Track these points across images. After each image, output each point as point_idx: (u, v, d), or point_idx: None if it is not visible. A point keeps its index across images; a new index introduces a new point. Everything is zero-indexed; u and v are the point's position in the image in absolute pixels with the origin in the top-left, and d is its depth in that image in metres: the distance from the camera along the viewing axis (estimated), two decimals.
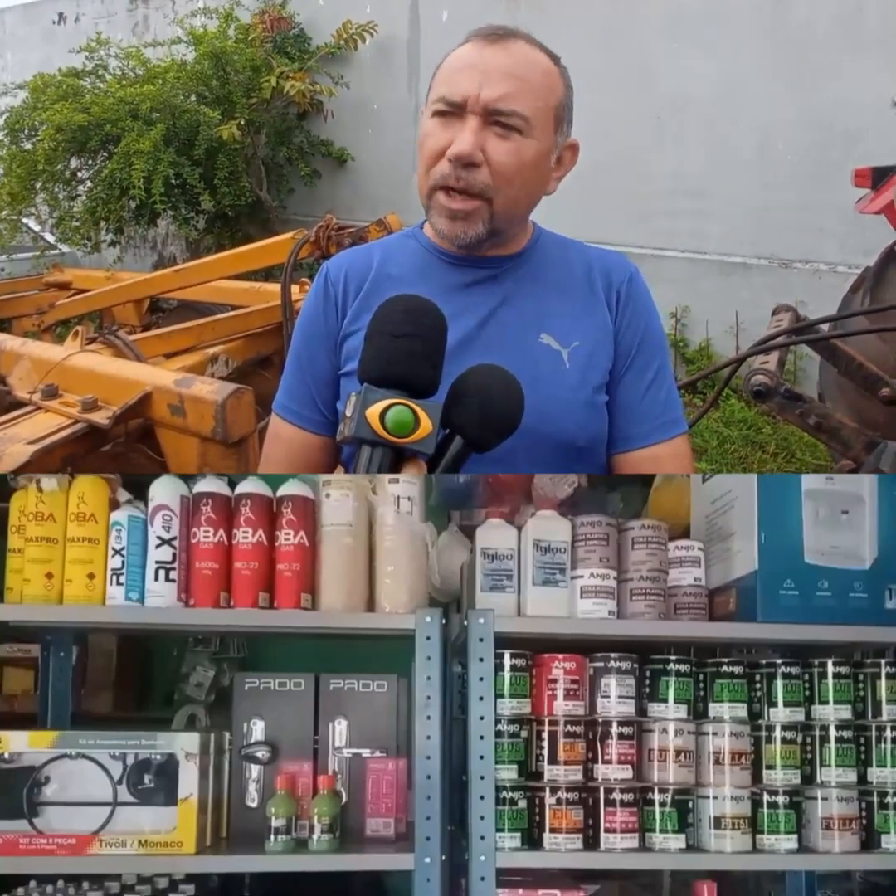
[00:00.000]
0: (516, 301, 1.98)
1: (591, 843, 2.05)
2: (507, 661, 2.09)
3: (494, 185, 1.84)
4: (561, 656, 2.10)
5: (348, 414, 1.42)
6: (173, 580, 2.06)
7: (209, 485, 2.11)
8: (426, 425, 1.39)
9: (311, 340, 2.08)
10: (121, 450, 3.50)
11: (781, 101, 7.12)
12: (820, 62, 6.99)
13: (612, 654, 2.11)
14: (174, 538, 2.08)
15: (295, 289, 4.90)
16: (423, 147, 1.90)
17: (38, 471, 2.84)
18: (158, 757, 2.02)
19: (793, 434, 6.60)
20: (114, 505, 2.11)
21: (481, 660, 2.00)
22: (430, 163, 1.88)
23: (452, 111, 1.85)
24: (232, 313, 5.37)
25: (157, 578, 2.06)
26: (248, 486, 2.11)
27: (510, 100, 1.81)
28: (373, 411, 1.38)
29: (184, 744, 2.03)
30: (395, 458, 1.41)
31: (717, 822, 2.05)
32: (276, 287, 5.06)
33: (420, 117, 1.99)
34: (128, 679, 3.18)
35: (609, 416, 2.03)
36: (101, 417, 3.18)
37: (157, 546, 2.07)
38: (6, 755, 1.99)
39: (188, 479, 2.14)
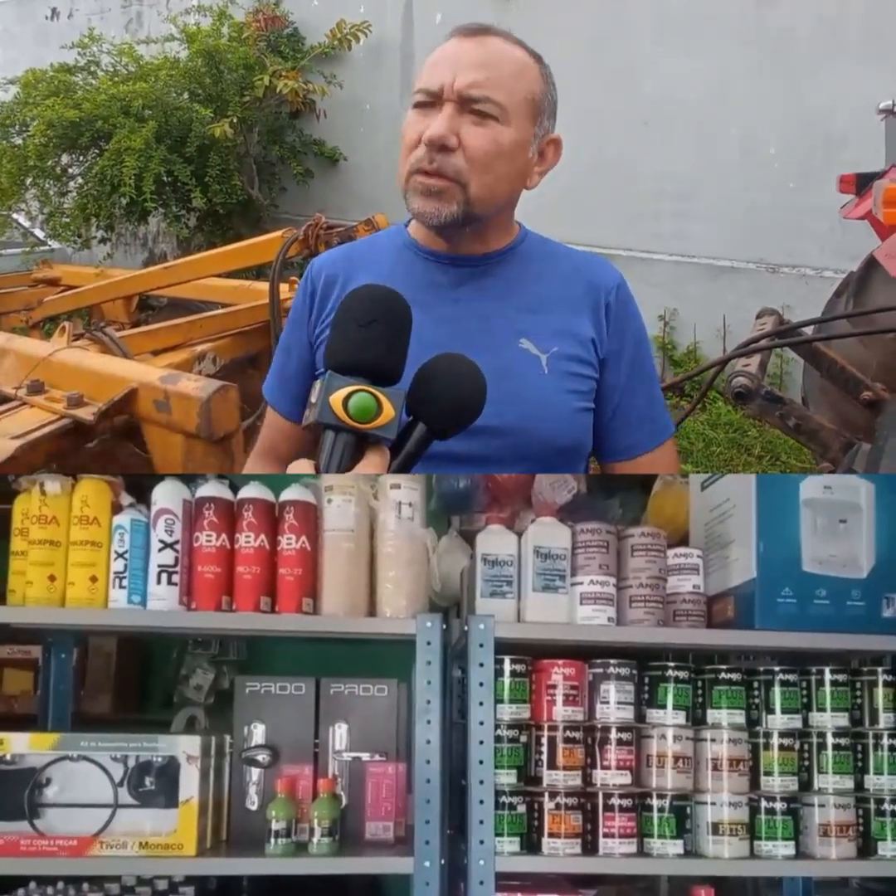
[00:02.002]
0: (497, 303, 2.00)
1: (590, 848, 2.06)
2: (507, 666, 2.11)
3: (469, 169, 1.87)
4: (560, 662, 2.12)
5: (313, 400, 1.44)
6: (175, 584, 2.07)
7: (212, 489, 2.12)
8: (388, 411, 1.41)
9: (293, 334, 2.16)
10: (106, 446, 3.49)
11: (766, 105, 7.14)
12: (803, 66, 7.02)
13: (612, 661, 2.13)
14: (176, 542, 2.08)
15: (283, 287, 4.90)
16: (403, 137, 1.94)
17: (23, 466, 2.85)
18: (159, 759, 2.02)
19: (778, 437, 6.61)
20: (116, 508, 2.11)
21: (481, 665, 2.01)
22: (409, 150, 1.92)
23: (430, 101, 1.89)
24: (219, 311, 5.36)
25: (159, 582, 2.06)
26: (250, 491, 2.12)
27: (483, 87, 1.86)
28: (336, 397, 1.40)
29: (185, 746, 2.04)
30: (358, 444, 1.43)
31: (715, 828, 2.06)
32: (264, 285, 5.04)
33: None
34: (127, 681, 3.18)
35: (605, 426, 2.07)
36: (86, 413, 3.18)
37: (160, 549, 2.07)
38: (8, 757, 2.00)
39: (191, 482, 2.15)
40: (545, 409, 1.94)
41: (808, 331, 4.27)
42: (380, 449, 1.44)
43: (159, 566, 2.07)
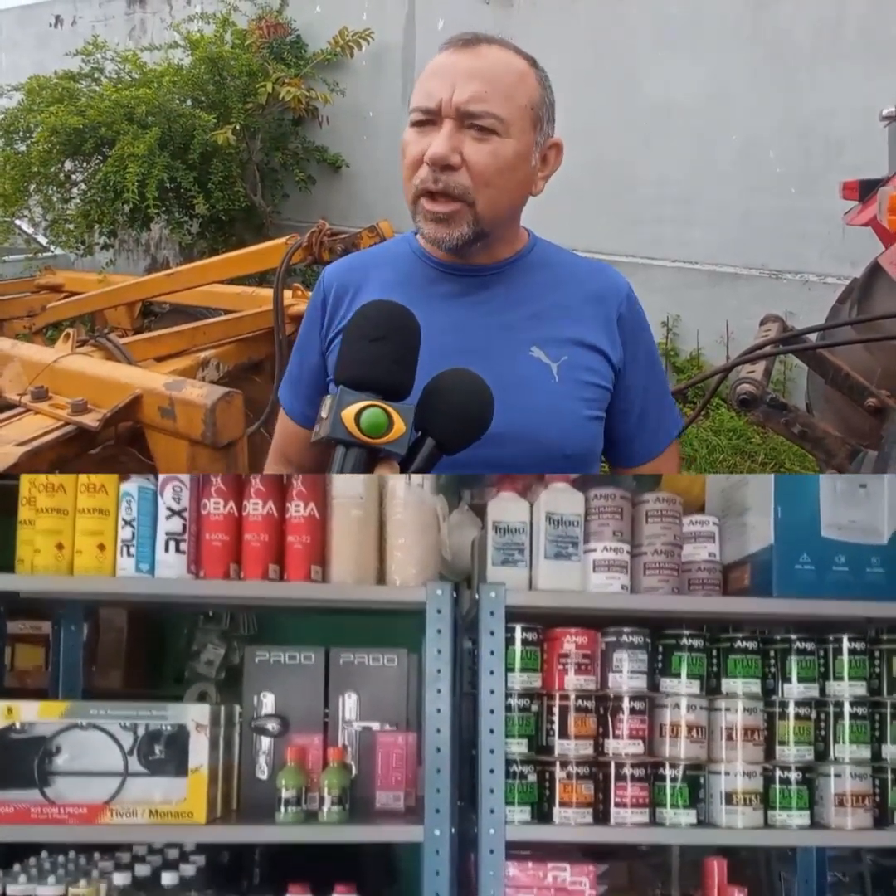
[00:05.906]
0: (507, 312, 1.99)
1: (602, 817, 2.03)
2: (518, 634, 2.08)
3: (474, 187, 1.85)
4: (573, 630, 2.09)
5: (324, 415, 1.46)
6: (183, 552, 2.06)
7: None
8: (399, 427, 1.44)
9: (307, 339, 2.17)
10: (110, 452, 3.49)
11: (766, 108, 7.16)
12: (802, 69, 7.06)
13: (625, 629, 2.10)
14: (184, 509, 2.07)
15: (287, 294, 4.89)
16: (404, 156, 1.92)
17: (27, 473, 2.84)
18: (169, 728, 2.00)
19: (782, 444, 6.63)
20: (124, 475, 2.10)
21: (492, 633, 1.99)
22: (412, 170, 1.90)
23: (428, 118, 1.86)
24: (223, 317, 5.35)
25: (167, 550, 2.05)
26: None
27: (482, 101, 1.83)
28: (348, 413, 1.42)
29: (194, 715, 2.02)
30: (369, 459, 1.45)
31: (729, 798, 2.03)
32: (268, 292, 5.02)
33: None
34: (138, 657, 3.19)
35: (626, 435, 2.11)
36: (90, 420, 3.17)
37: (168, 517, 2.06)
38: (17, 725, 1.98)
39: None
40: (557, 417, 1.94)
41: (813, 337, 4.28)
42: (390, 464, 1.47)
43: (167, 534, 2.05)
